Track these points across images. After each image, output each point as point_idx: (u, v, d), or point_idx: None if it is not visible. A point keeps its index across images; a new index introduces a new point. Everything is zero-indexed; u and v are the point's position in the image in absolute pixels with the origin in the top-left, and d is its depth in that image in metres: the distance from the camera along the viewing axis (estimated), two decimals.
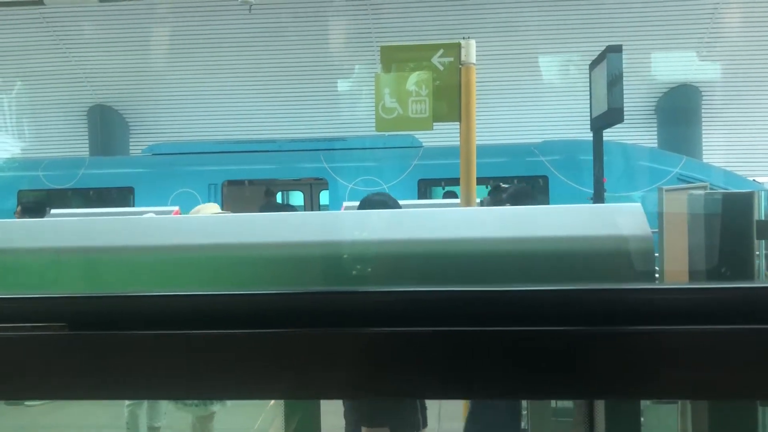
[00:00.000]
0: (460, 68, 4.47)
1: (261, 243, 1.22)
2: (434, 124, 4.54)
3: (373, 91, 4.61)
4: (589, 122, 7.70)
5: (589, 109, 7.65)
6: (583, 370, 0.82)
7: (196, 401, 4.06)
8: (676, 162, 11.30)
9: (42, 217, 6.81)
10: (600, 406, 1.14)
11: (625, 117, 7.00)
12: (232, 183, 12.41)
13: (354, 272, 1.20)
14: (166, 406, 5.05)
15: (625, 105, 6.89)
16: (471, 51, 4.47)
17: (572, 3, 13.79)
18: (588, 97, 7.71)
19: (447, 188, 11.34)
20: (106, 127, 16.26)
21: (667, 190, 2.16)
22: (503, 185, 5.04)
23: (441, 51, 4.51)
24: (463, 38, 4.53)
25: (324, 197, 12.92)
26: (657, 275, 2.14)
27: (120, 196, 12.19)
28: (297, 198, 14.90)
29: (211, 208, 4.79)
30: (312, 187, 13.45)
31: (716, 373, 0.82)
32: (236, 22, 14.46)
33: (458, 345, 0.82)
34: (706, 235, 1.42)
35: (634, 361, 0.82)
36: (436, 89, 4.48)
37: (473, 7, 13.93)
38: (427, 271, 1.16)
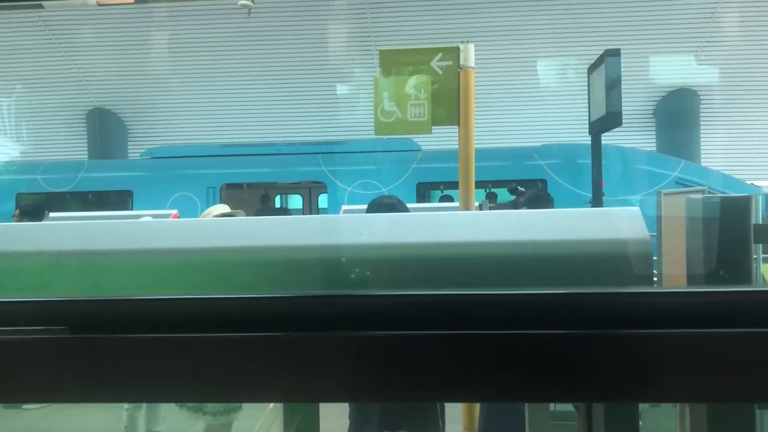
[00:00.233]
0: (459, 72, 4.47)
1: (260, 246, 1.22)
2: (433, 127, 4.54)
3: (371, 95, 4.61)
4: (587, 126, 7.71)
5: (587, 113, 7.67)
6: (582, 374, 0.82)
7: (216, 409, 3.93)
8: (675, 166, 11.32)
9: (40, 220, 6.81)
10: (599, 409, 1.14)
11: (624, 121, 7.01)
12: (230, 186, 12.41)
13: (353, 276, 1.20)
14: (165, 411, 5.02)
15: (623, 109, 6.91)
16: (470, 55, 4.48)
17: (571, 7, 13.82)
18: (586, 100, 7.73)
19: (444, 192, 11.36)
20: (105, 130, 16.26)
21: (665, 194, 2.17)
22: (521, 189, 5.07)
23: (440, 55, 4.51)
24: (462, 42, 4.53)
25: (323, 201, 12.93)
26: (655, 279, 2.15)
27: (118, 199, 12.18)
28: (296, 201, 14.91)
29: (222, 209, 4.79)
30: (311, 190, 13.46)
31: (714, 376, 0.82)
32: (235, 26, 14.48)
33: (457, 348, 0.82)
34: (703, 239, 1.42)
35: (633, 364, 0.82)
36: (435, 93, 4.48)
37: (472, 11, 13.95)
38: (425, 274, 1.16)
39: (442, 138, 9.19)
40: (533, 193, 5.30)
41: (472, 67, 4.49)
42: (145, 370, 0.81)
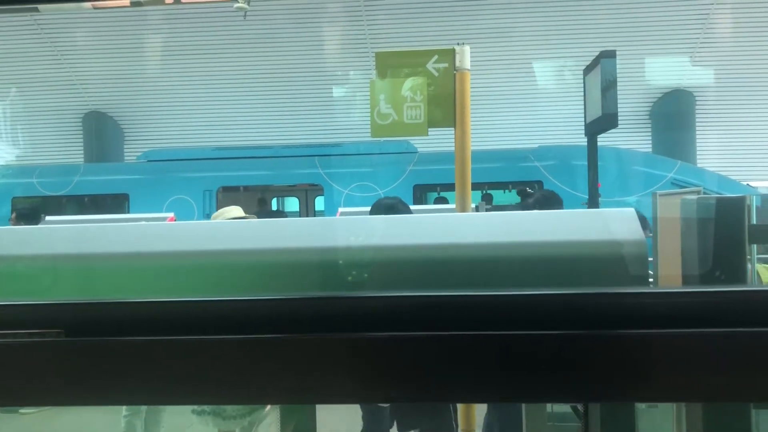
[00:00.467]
0: (455, 74, 4.47)
1: (257, 249, 1.22)
2: (429, 129, 4.54)
3: (368, 97, 4.61)
4: (583, 127, 7.72)
5: (583, 115, 7.68)
6: (578, 374, 0.82)
7: (238, 412, 3.82)
8: (671, 167, 11.34)
9: (37, 224, 6.78)
10: (596, 408, 1.14)
11: (620, 122, 7.03)
12: (226, 189, 12.39)
13: (351, 277, 1.20)
14: (166, 416, 4.97)
15: (619, 110, 6.93)
16: (465, 57, 4.48)
17: (566, 9, 13.85)
18: (582, 102, 7.74)
19: (440, 194, 11.36)
20: (101, 133, 16.23)
21: (660, 195, 2.17)
22: (529, 190, 5.01)
23: (435, 57, 4.52)
24: (458, 44, 4.54)
25: (319, 203, 12.92)
26: (651, 279, 2.15)
27: (115, 203, 12.16)
28: (292, 204, 14.89)
29: (234, 212, 4.74)
30: (307, 193, 13.45)
31: (711, 375, 0.82)
32: (231, 29, 14.47)
33: (455, 349, 0.82)
34: (699, 239, 1.42)
35: (629, 364, 0.82)
36: (431, 95, 4.48)
37: (467, 13, 13.97)
38: (423, 275, 1.16)
39: (439, 140, 9.19)
40: (542, 195, 5.20)
41: (468, 69, 4.50)
42: (141, 373, 0.81)
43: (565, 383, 0.84)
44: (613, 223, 1.23)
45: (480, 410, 4.66)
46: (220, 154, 12.62)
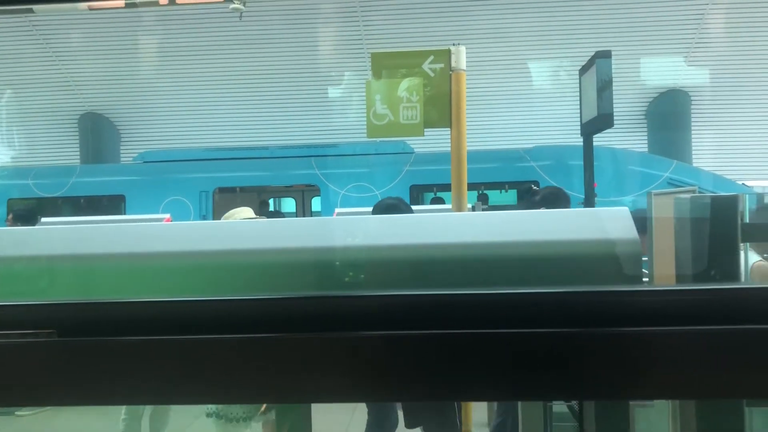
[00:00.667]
0: (451, 74, 4.48)
1: (253, 249, 1.22)
2: (425, 130, 4.55)
3: (364, 98, 4.61)
4: (579, 127, 7.73)
5: (579, 115, 7.69)
6: (573, 372, 0.82)
7: (244, 414, 3.80)
8: (666, 166, 11.37)
9: (33, 225, 6.76)
10: (591, 406, 1.14)
11: (615, 122, 7.04)
12: (223, 190, 12.39)
13: (347, 277, 1.20)
14: (170, 419, 4.91)
15: (615, 110, 6.93)
16: (461, 57, 4.49)
17: (561, 9, 13.87)
18: (578, 102, 7.75)
19: (436, 194, 11.37)
20: (97, 134, 16.21)
21: (655, 194, 2.18)
22: (535, 188, 4.84)
23: (431, 57, 4.52)
24: (453, 45, 4.54)
25: (316, 204, 12.92)
26: (646, 279, 2.16)
27: (111, 204, 12.14)
28: (289, 205, 14.88)
29: (244, 213, 4.72)
30: (304, 193, 13.44)
31: (705, 372, 0.82)
32: (227, 30, 14.46)
33: (451, 347, 0.82)
34: (692, 238, 1.43)
35: (625, 362, 0.82)
36: (427, 95, 4.49)
37: (463, 13, 13.98)
38: (419, 275, 1.17)
39: (435, 140, 9.20)
40: (549, 191, 5.09)
41: (464, 70, 4.50)
42: (135, 373, 0.81)
43: (560, 381, 0.85)
44: (607, 223, 1.24)
45: (478, 408, 4.68)
46: (216, 155, 12.61)
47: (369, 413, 4.13)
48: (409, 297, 0.94)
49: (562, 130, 12.86)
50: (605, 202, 9.28)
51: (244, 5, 12.96)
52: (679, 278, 1.47)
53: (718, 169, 13.43)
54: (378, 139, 10.47)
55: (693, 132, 15.19)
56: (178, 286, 1.18)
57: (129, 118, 16.52)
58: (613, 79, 6.89)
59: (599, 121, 6.93)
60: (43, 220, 6.96)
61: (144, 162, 12.74)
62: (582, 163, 7.68)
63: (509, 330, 0.84)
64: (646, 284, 1.65)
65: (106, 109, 16.38)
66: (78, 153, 16.45)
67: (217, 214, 12.04)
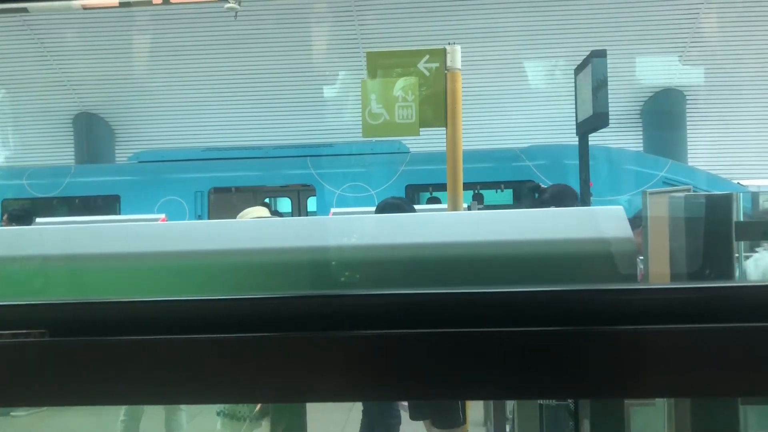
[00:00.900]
0: (446, 74, 4.48)
1: (248, 249, 1.22)
2: (421, 129, 4.55)
3: (359, 97, 4.61)
4: (574, 127, 7.75)
5: (574, 114, 7.70)
6: (569, 370, 0.82)
7: (250, 412, 3.78)
8: (662, 165, 11.40)
9: (29, 225, 6.74)
10: (586, 405, 1.14)
11: (611, 121, 7.05)
12: (218, 190, 12.37)
13: (342, 276, 1.20)
14: (185, 419, 4.85)
15: (610, 109, 6.95)
16: (456, 56, 4.49)
17: (557, 9, 13.89)
18: (573, 101, 7.77)
19: (432, 194, 11.38)
20: (92, 134, 16.17)
21: (650, 193, 2.18)
22: (542, 186, 4.76)
23: (427, 57, 4.53)
24: (449, 44, 4.55)
25: (311, 203, 12.91)
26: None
27: (106, 204, 12.11)
28: (284, 205, 14.87)
29: (257, 212, 4.68)
30: (299, 193, 13.43)
31: (699, 371, 0.82)
32: (222, 29, 14.43)
33: (446, 346, 0.82)
34: (686, 237, 1.43)
35: (620, 360, 0.83)
36: (422, 95, 4.49)
37: (458, 12, 13.99)
38: (415, 274, 1.17)
39: (431, 140, 9.21)
40: (558, 189, 5.00)
41: (459, 69, 4.51)
42: (127, 373, 0.81)
43: (555, 380, 0.85)
44: (602, 221, 1.24)
45: (476, 406, 4.70)
46: (211, 155, 12.59)
47: (364, 415, 4.12)
48: (404, 296, 0.94)
49: (558, 130, 12.88)
50: (601, 201, 9.29)
51: (239, 5, 12.95)
52: (674, 277, 1.47)
53: (712, 168, 13.48)
54: (374, 139, 10.47)
55: (688, 131, 15.24)
56: (172, 286, 1.18)
57: (124, 118, 16.48)
58: (609, 78, 6.90)
59: (594, 120, 6.94)
60: (38, 220, 6.95)
61: (139, 162, 12.72)
62: (577, 162, 7.69)
63: (504, 329, 0.84)
64: (640, 283, 1.65)
65: (101, 109, 16.34)
66: (73, 153, 16.40)
67: (213, 214, 12.03)
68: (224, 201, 12.77)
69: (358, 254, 1.23)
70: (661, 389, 0.91)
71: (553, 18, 13.97)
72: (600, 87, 6.83)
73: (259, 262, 1.19)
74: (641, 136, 15.51)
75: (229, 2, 12.53)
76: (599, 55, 6.98)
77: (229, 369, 0.81)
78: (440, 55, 4.50)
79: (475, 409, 4.73)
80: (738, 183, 12.15)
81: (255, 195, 13.37)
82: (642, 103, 15.56)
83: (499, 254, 1.19)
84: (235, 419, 3.78)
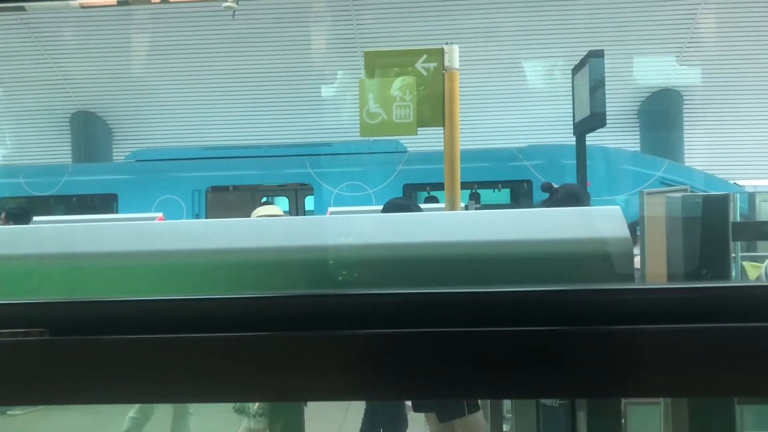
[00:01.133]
0: (444, 73, 4.49)
1: (246, 248, 1.22)
2: (418, 129, 4.56)
3: (357, 97, 4.62)
4: (572, 126, 7.76)
5: (572, 114, 7.72)
6: (566, 370, 0.83)
7: (256, 410, 3.79)
8: (659, 166, 11.42)
9: (27, 224, 6.73)
10: (583, 404, 1.15)
11: (608, 121, 7.07)
12: (216, 189, 12.35)
13: (341, 276, 1.20)
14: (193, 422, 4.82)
15: (607, 109, 6.96)
16: (454, 56, 4.50)
17: (554, 8, 13.90)
18: (571, 101, 7.78)
19: (430, 193, 11.38)
20: (89, 133, 16.13)
21: (647, 194, 2.19)
22: (554, 186, 4.70)
23: (424, 56, 4.53)
24: (447, 44, 4.55)
25: (309, 203, 12.90)
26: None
27: (103, 203, 12.09)
28: (282, 204, 14.86)
29: (269, 210, 4.67)
30: (297, 192, 13.42)
31: (696, 370, 0.83)
32: (220, 28, 14.42)
33: (443, 346, 0.82)
34: (684, 237, 1.44)
35: (617, 360, 0.83)
36: (420, 94, 4.50)
37: (456, 12, 13.99)
38: (413, 274, 1.17)
39: (428, 139, 9.21)
40: (570, 190, 4.93)
41: (457, 69, 4.51)
42: (126, 372, 0.81)
43: (552, 379, 0.85)
44: (598, 221, 1.24)
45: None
46: (209, 154, 12.58)
47: (366, 415, 4.11)
48: (402, 295, 0.94)
49: (555, 130, 12.89)
50: (598, 201, 9.31)
51: (236, 3, 12.94)
52: (671, 276, 1.48)
53: (709, 168, 13.50)
54: (371, 138, 10.47)
55: (685, 131, 15.26)
56: (170, 285, 1.18)
57: (121, 117, 16.46)
58: (606, 79, 6.91)
59: (592, 120, 6.95)
60: (35, 219, 6.94)
61: (136, 161, 12.70)
62: (575, 162, 7.70)
63: (502, 328, 0.85)
64: (637, 282, 1.66)
65: (98, 108, 16.31)
66: (70, 151, 16.37)
67: (210, 213, 12.02)
68: (222, 200, 12.77)
69: (357, 253, 1.23)
70: (659, 389, 0.91)
71: (551, 18, 13.98)
72: (597, 87, 6.84)
73: (258, 261, 1.19)
74: (638, 136, 15.53)
75: (227, 1, 12.52)
76: (596, 55, 6.99)
77: (227, 368, 0.82)
78: (438, 54, 4.51)
79: None
80: (735, 183, 12.18)
81: (252, 194, 13.36)
82: (639, 104, 15.58)
83: (496, 254, 1.19)
84: (246, 415, 3.80)
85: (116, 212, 11.64)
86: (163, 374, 0.81)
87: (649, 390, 0.88)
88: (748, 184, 13.06)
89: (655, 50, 14.81)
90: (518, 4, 14.06)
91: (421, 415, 3.90)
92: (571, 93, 7.78)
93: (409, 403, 3.91)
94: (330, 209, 8.21)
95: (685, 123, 15.30)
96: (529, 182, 11.18)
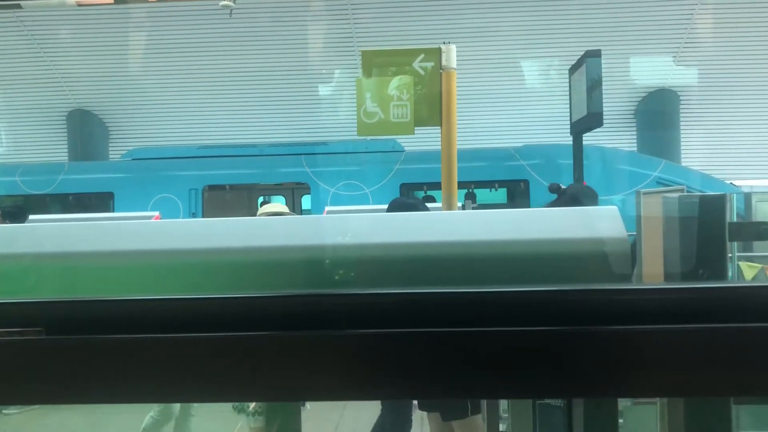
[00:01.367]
0: (441, 73, 4.49)
1: (243, 247, 1.22)
2: (416, 128, 4.56)
3: (354, 96, 4.61)
4: (569, 126, 7.77)
5: (569, 114, 7.72)
6: (563, 370, 0.83)
7: (255, 409, 3.80)
8: (655, 166, 11.43)
9: (23, 222, 6.71)
10: (579, 404, 1.15)
11: (605, 121, 7.08)
12: (212, 188, 12.33)
13: (338, 275, 1.20)
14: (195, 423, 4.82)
15: (604, 109, 6.97)
16: (451, 56, 4.50)
17: (551, 8, 13.91)
18: (568, 101, 7.78)
19: (427, 193, 11.38)
20: (86, 131, 16.10)
21: (644, 194, 2.19)
22: (562, 186, 4.67)
23: (422, 56, 4.53)
24: (444, 43, 4.55)
25: (306, 202, 12.90)
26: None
27: (100, 201, 12.07)
28: (279, 203, 14.85)
29: (273, 208, 4.66)
30: (294, 191, 13.41)
31: (692, 370, 0.83)
32: (216, 27, 14.40)
33: (440, 345, 0.82)
34: (680, 237, 1.44)
35: (614, 360, 0.83)
36: (417, 94, 4.50)
37: (453, 12, 13.99)
38: (410, 273, 1.17)
39: (426, 139, 9.21)
40: (577, 191, 4.89)
41: (454, 68, 4.51)
42: (123, 371, 0.81)
43: (548, 379, 0.85)
44: (596, 221, 1.24)
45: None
46: (205, 153, 12.56)
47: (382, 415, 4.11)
48: (399, 295, 0.94)
49: (552, 129, 12.91)
50: None
51: (233, 2, 12.92)
52: (668, 277, 1.48)
53: (706, 168, 13.53)
54: (368, 138, 10.47)
55: (682, 131, 15.29)
56: (166, 284, 1.18)
57: (118, 115, 16.43)
58: (603, 78, 6.92)
59: (589, 120, 6.96)
60: (31, 217, 6.91)
61: (133, 159, 12.68)
62: (571, 161, 7.71)
63: (499, 328, 0.85)
64: (634, 283, 1.66)
65: (95, 106, 16.28)
66: (66, 150, 16.34)
67: (207, 212, 12.00)
68: (218, 199, 12.75)
69: (354, 253, 1.23)
70: (655, 389, 0.91)
71: (548, 18, 13.99)
72: (594, 87, 6.85)
73: (255, 261, 1.19)
74: (635, 136, 15.56)
75: (224, 0, 12.50)
76: (594, 55, 7.00)
77: (224, 367, 0.81)
78: (435, 54, 4.51)
79: None
80: (731, 183, 12.21)
81: (249, 193, 13.34)
82: (636, 103, 15.60)
83: (492, 254, 1.19)
84: (246, 414, 3.81)
85: (113, 211, 11.62)
86: (160, 374, 0.81)
87: (646, 390, 0.88)
88: (745, 184, 13.09)
89: (652, 50, 14.83)
90: (515, 3, 14.07)
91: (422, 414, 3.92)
92: (568, 93, 7.79)
93: (415, 402, 3.92)
94: (327, 208, 8.21)
95: (681, 123, 15.34)
96: (526, 182, 11.20)
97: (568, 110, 7.71)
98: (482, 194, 11.32)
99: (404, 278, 1.18)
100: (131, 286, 1.18)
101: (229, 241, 1.25)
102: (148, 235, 1.33)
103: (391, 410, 4.01)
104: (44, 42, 15.28)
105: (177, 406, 4.63)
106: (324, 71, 15.45)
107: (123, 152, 14.05)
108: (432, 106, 4.51)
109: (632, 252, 1.21)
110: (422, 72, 4.52)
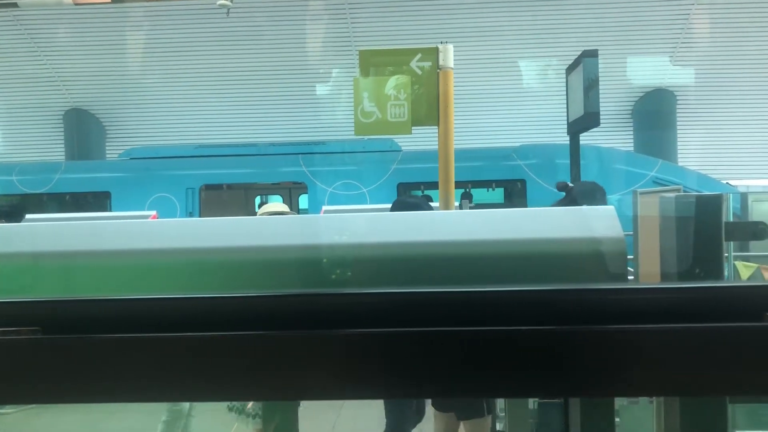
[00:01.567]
0: (438, 72, 4.49)
1: (240, 247, 1.22)
2: (413, 128, 4.56)
3: (351, 95, 4.62)
4: (566, 126, 7.78)
5: (566, 113, 7.73)
6: (559, 369, 0.83)
7: (254, 410, 3.80)
8: (652, 165, 11.45)
9: (18, 222, 6.69)
10: (575, 404, 1.15)
11: (602, 121, 7.09)
12: (209, 187, 12.32)
13: (335, 275, 1.20)
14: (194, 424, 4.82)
15: (601, 109, 6.98)
16: (449, 55, 4.50)
17: (549, 8, 13.92)
18: (565, 101, 7.79)
19: (424, 192, 11.38)
20: (83, 131, 16.08)
21: (641, 193, 2.20)
22: (570, 185, 4.61)
23: (419, 55, 4.54)
24: (441, 43, 4.56)
25: (303, 201, 12.89)
26: (631, 277, 2.18)
27: (96, 200, 12.05)
28: (277, 202, 14.84)
29: (277, 207, 4.66)
30: (291, 191, 13.41)
31: (688, 370, 0.83)
32: (214, 26, 14.38)
33: (436, 345, 0.82)
34: (677, 237, 1.45)
35: (610, 359, 0.83)
36: (415, 93, 4.50)
37: (451, 11, 14.00)
38: (405, 272, 1.17)
39: (423, 138, 9.22)
40: (586, 187, 4.83)
41: (452, 68, 4.52)
42: (120, 371, 0.81)
43: (545, 379, 0.85)
44: (593, 221, 1.25)
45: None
46: (203, 152, 12.54)
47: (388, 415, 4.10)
48: (396, 295, 0.94)
49: (549, 129, 12.92)
50: None
51: (231, 1, 12.91)
52: (664, 276, 1.48)
53: (702, 168, 13.55)
54: (366, 137, 10.47)
55: (678, 131, 15.32)
56: (163, 284, 1.18)
57: (115, 115, 16.40)
58: (600, 78, 6.93)
59: (586, 120, 6.97)
60: (28, 216, 6.90)
61: (130, 158, 12.66)
62: (569, 161, 7.72)
63: (495, 327, 0.85)
64: (630, 282, 1.67)
65: (92, 105, 16.25)
66: (63, 149, 16.31)
67: (204, 212, 11.99)
68: (216, 198, 12.74)
69: (351, 252, 1.23)
70: (651, 388, 0.91)
71: (545, 18, 14.00)
72: (591, 87, 6.86)
73: (251, 260, 1.19)
74: (632, 136, 15.58)
75: None
76: (591, 55, 7.01)
77: (220, 367, 0.81)
78: (433, 54, 4.51)
79: None
80: (727, 183, 12.23)
81: (246, 192, 13.34)
82: (633, 103, 15.63)
83: (489, 253, 1.19)
84: (243, 414, 3.80)
85: (109, 210, 11.60)
86: (156, 373, 0.81)
87: (642, 389, 0.89)
88: (741, 184, 13.12)
89: (649, 50, 14.85)
90: (513, 3, 14.08)
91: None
92: (565, 92, 7.80)
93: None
94: (324, 208, 8.21)
95: (678, 123, 15.36)
96: (523, 181, 11.20)
97: (565, 110, 7.73)
98: (479, 194, 11.32)
99: (400, 278, 1.18)
100: (128, 285, 1.18)
101: (226, 240, 1.24)
102: (145, 234, 1.33)
103: (391, 410, 4.00)
104: (41, 41, 15.26)
105: (186, 405, 4.63)
106: (321, 71, 15.45)
107: (120, 151, 14.03)
108: (429, 106, 4.52)
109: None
110: (419, 72, 4.52)
